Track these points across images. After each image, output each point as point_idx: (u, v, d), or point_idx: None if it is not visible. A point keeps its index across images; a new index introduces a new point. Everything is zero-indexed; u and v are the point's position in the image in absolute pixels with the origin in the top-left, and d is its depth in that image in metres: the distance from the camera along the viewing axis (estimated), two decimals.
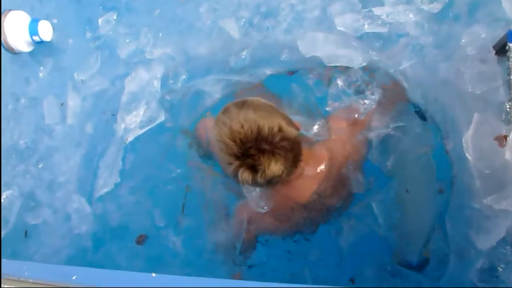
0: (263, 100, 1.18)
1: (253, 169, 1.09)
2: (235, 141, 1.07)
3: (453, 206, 1.23)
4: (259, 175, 1.09)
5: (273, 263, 1.44)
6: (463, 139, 1.12)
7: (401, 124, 1.34)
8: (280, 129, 1.08)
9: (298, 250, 1.42)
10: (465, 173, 1.16)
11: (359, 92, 1.36)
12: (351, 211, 1.36)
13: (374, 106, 1.34)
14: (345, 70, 1.40)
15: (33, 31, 1.71)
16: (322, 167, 1.29)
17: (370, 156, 1.34)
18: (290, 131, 1.12)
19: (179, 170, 1.60)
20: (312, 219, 1.35)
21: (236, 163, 1.09)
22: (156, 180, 1.62)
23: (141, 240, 1.56)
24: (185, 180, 1.60)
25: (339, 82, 1.37)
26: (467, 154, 1.11)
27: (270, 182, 1.13)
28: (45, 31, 1.74)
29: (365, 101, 1.35)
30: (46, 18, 1.76)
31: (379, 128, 1.33)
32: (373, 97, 1.34)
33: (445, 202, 1.27)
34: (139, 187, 1.62)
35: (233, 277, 1.42)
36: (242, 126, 1.06)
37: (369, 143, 1.35)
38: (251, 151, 1.07)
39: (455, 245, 1.18)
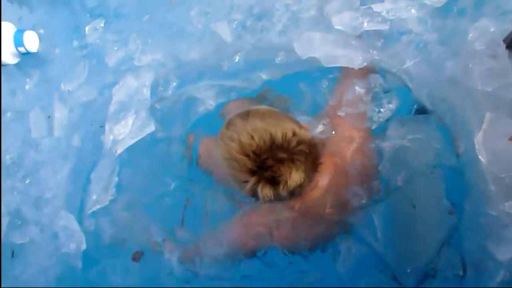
0: (266, 107, 1.11)
1: (274, 182, 0.99)
2: (247, 155, 0.98)
3: (467, 214, 1.16)
4: (281, 187, 0.99)
5: (269, 275, 1.37)
6: (475, 141, 1.07)
7: (419, 136, 1.25)
8: (294, 133, 1.00)
9: (296, 264, 1.35)
10: (478, 178, 1.10)
11: (375, 99, 1.30)
12: (349, 220, 1.27)
13: (389, 114, 1.27)
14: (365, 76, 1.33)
15: (18, 42, 1.68)
16: (332, 174, 1.20)
17: (381, 167, 1.26)
18: (305, 134, 1.03)
19: (174, 184, 1.54)
20: (314, 232, 1.27)
21: (253, 179, 1.00)
22: (152, 193, 1.56)
23: (137, 256, 1.49)
24: (182, 192, 1.53)
25: (357, 88, 1.31)
26: (480, 157, 1.05)
27: (293, 194, 1.04)
28: (31, 41, 1.70)
29: (381, 109, 1.29)
30: (33, 28, 1.73)
31: (394, 138, 1.25)
32: (389, 105, 1.28)
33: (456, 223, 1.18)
34: (134, 201, 1.55)
35: None
36: (252, 137, 0.98)
37: (380, 153, 1.27)
38: (268, 162, 0.98)
39: (471, 257, 1.11)
